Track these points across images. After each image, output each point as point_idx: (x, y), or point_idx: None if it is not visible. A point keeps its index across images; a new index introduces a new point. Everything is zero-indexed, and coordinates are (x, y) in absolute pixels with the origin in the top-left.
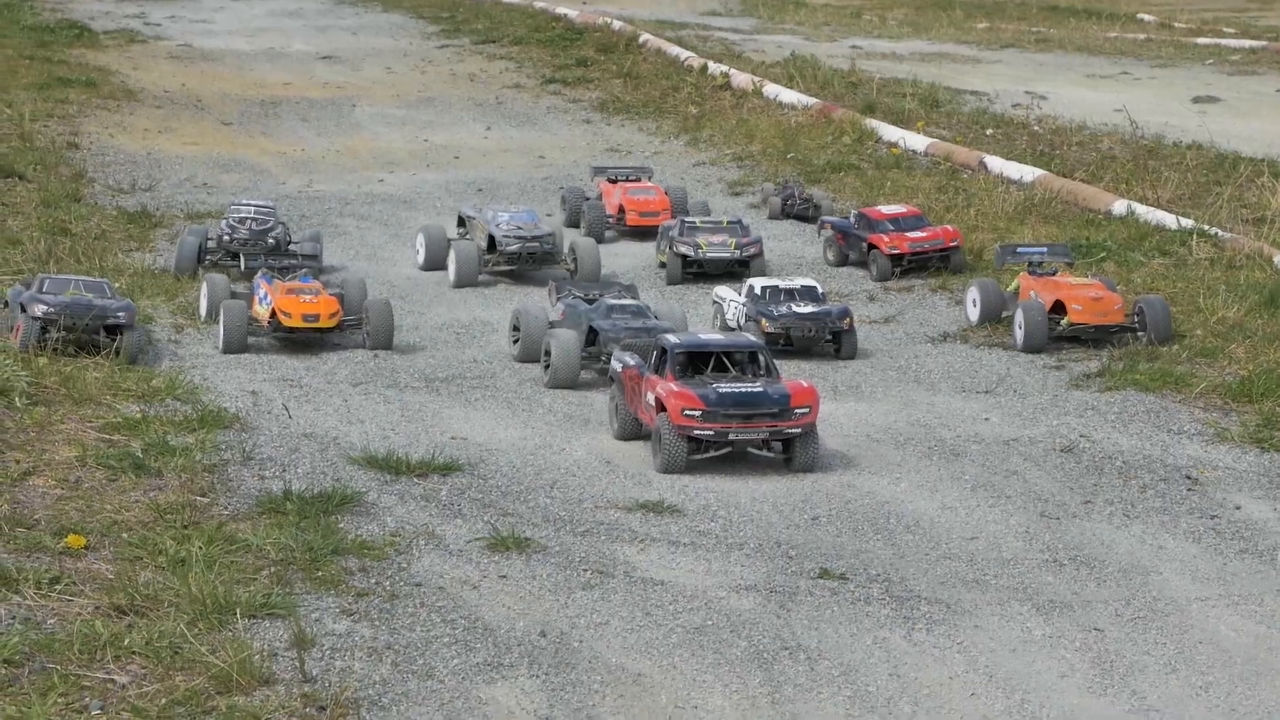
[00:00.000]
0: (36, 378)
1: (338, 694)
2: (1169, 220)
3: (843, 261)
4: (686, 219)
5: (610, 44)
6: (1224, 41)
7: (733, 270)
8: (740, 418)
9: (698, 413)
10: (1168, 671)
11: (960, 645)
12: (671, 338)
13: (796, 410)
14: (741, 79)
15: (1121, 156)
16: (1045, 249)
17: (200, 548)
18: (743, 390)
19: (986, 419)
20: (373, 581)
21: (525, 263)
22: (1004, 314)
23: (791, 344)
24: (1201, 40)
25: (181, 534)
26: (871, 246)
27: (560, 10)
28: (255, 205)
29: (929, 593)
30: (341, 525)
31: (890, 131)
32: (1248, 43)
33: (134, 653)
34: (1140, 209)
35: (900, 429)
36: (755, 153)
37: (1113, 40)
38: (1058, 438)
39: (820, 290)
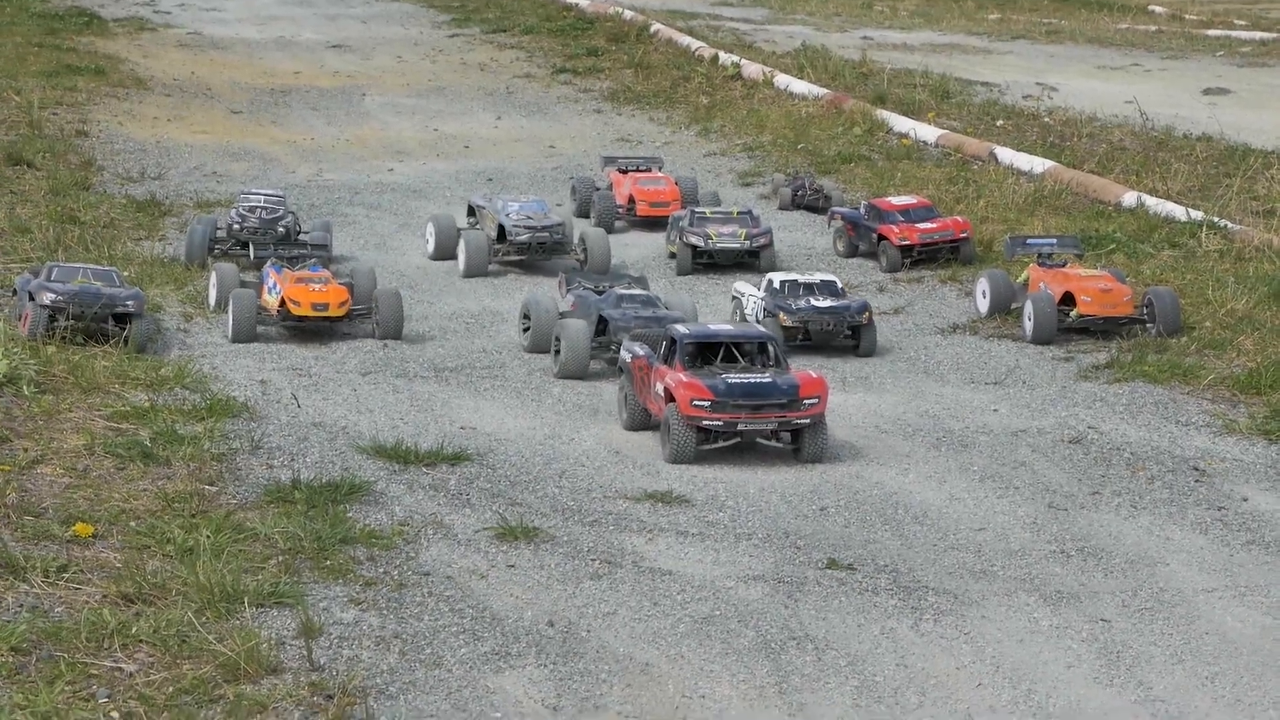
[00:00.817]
0: (45, 366)
1: (345, 682)
2: (1178, 212)
3: (853, 252)
4: (697, 209)
5: (621, 33)
6: (1234, 33)
7: (743, 261)
8: (749, 408)
9: (706, 403)
10: (1174, 662)
11: (967, 635)
12: (681, 328)
13: (805, 400)
14: (752, 69)
15: (1131, 148)
16: (1055, 241)
17: (208, 536)
18: (752, 381)
19: (995, 410)
20: (380, 570)
21: (535, 253)
22: (1013, 305)
23: (810, 339)
24: (1212, 32)
25: (189, 523)
26: (881, 238)
27: None
28: (265, 194)
29: (936, 583)
30: (350, 514)
31: (901, 122)
32: (1258, 34)
33: (141, 641)
34: (1150, 201)
35: (909, 420)
36: (766, 143)
37: (1123, 32)
38: (1066, 429)
39: (839, 285)
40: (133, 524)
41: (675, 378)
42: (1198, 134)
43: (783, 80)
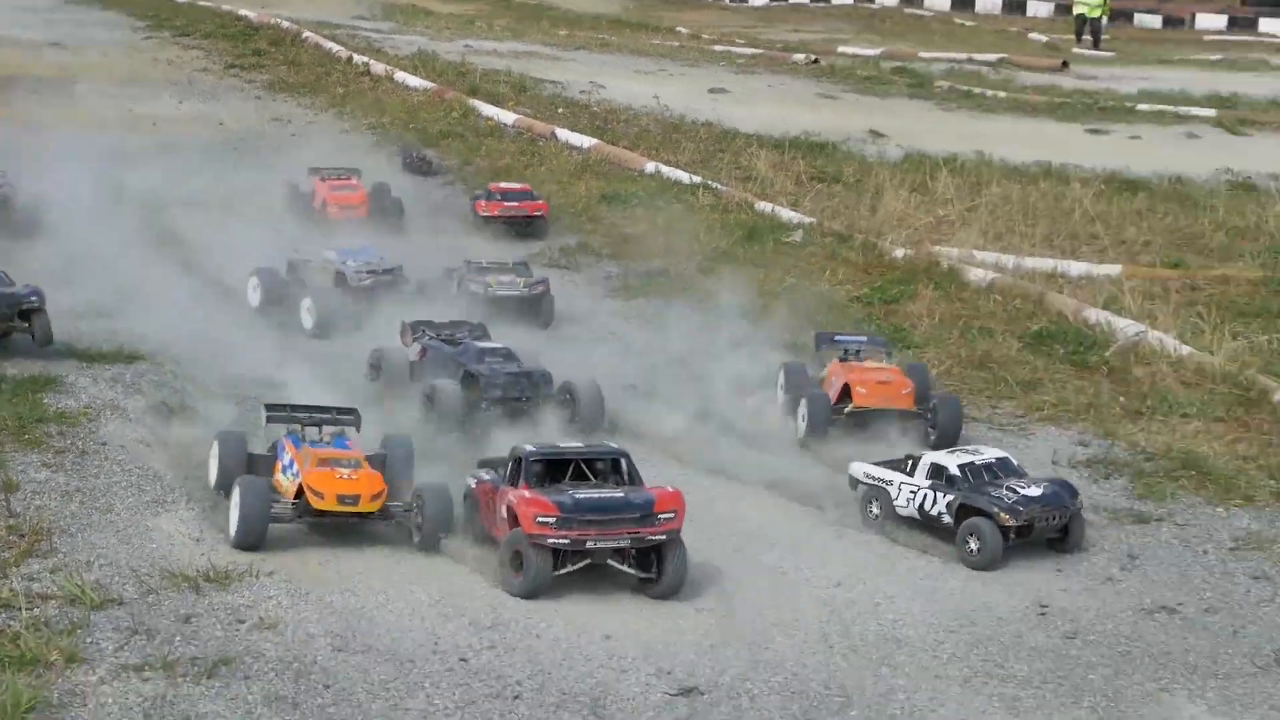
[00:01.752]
0: None
1: (35, 524)
2: (684, 177)
3: (481, 226)
4: (472, 260)
5: (279, 39)
6: (735, 49)
7: (522, 309)
8: (599, 524)
9: (552, 519)
10: None
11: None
12: (527, 446)
13: (661, 515)
14: (378, 68)
15: (654, 131)
16: (865, 340)
17: None
18: (602, 496)
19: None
20: (68, 442)
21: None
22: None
23: (1023, 535)
24: (719, 47)
25: None
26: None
27: (242, 11)
28: None
29: None
30: (45, 401)
31: (488, 109)
32: (750, 50)
33: None
34: (665, 169)
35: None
36: (386, 123)
37: (656, 46)
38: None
39: (1014, 460)
40: None
41: (518, 495)
42: (703, 121)
43: (401, 76)
